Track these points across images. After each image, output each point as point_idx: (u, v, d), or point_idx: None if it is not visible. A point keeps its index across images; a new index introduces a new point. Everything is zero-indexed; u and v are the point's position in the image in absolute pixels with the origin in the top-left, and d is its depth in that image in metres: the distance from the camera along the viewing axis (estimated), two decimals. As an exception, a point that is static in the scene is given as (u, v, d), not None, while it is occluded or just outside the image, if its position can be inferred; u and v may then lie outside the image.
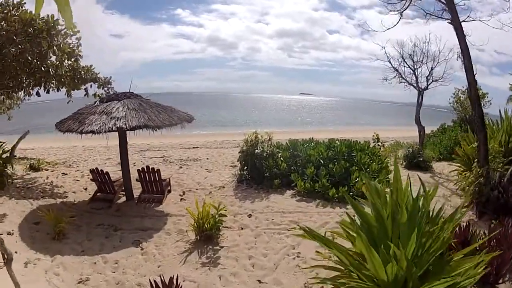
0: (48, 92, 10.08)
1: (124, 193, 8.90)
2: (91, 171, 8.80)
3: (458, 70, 13.77)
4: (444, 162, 12.91)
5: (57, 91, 10.17)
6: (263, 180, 9.35)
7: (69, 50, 9.46)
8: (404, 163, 11.86)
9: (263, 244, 6.22)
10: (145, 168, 8.60)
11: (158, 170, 8.51)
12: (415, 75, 13.97)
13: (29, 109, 23.61)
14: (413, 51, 13.90)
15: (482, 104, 10.50)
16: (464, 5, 8.25)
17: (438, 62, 13.61)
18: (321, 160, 9.18)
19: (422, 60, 13.78)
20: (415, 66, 14.02)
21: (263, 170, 9.41)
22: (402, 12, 9.44)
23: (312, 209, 7.82)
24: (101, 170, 8.65)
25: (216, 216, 6.29)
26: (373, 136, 13.35)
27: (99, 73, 10.63)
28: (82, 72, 10.08)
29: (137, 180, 8.83)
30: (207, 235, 6.24)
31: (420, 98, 13.79)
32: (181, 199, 8.73)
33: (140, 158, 14.55)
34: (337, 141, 10.22)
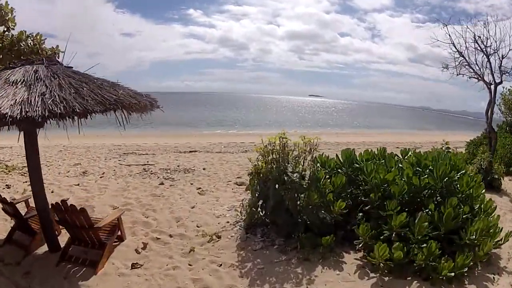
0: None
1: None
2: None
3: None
4: (506, 176, 9.68)
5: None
6: (296, 229, 5.00)
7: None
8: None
9: None
10: (60, 204, 4.55)
11: (84, 210, 4.43)
12: (489, 62, 9.79)
13: None
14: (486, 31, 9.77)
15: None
16: None
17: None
18: (406, 195, 4.89)
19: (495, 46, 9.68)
20: (488, 51, 9.88)
21: (298, 212, 5.09)
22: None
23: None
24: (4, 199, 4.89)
25: None
26: (443, 143, 9.12)
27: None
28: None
29: (57, 222, 4.85)
30: None
31: (492, 95, 9.68)
32: (132, 266, 4.51)
33: (114, 165, 10.47)
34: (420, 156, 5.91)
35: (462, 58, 10.10)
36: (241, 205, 6.56)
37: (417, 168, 5.27)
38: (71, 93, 3.67)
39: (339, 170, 5.69)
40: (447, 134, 31.32)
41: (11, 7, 7.66)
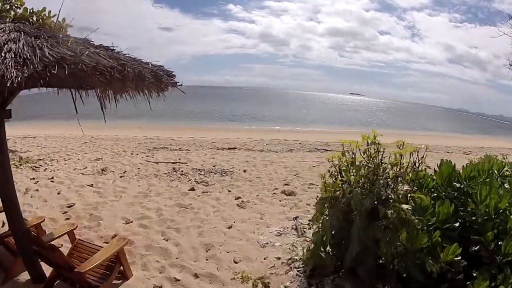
0: None
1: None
2: None
3: None
4: None
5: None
6: (385, 282, 3.09)
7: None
8: None
9: None
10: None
11: (54, 249, 2.79)
12: None
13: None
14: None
15: None
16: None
17: None
18: None
19: None
20: None
21: (391, 259, 3.07)
22: None
23: None
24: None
25: None
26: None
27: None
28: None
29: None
30: None
31: None
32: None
33: (139, 162, 8.96)
34: None
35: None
36: (295, 228, 4.78)
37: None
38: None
39: (440, 192, 3.70)
40: (489, 139, 28.85)
41: None
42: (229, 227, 4.89)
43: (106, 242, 4.36)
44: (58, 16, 4.59)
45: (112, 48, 2.78)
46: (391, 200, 3.08)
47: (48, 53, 2.04)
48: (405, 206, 2.97)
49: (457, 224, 3.31)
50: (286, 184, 7.35)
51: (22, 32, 2.38)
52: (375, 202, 3.03)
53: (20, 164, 7.84)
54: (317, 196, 6.13)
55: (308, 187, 7.14)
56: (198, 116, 33.93)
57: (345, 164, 3.53)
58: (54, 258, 2.84)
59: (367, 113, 71.36)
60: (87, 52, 2.18)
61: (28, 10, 6.43)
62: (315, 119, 39.90)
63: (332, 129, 28.09)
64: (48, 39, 2.29)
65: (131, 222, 4.98)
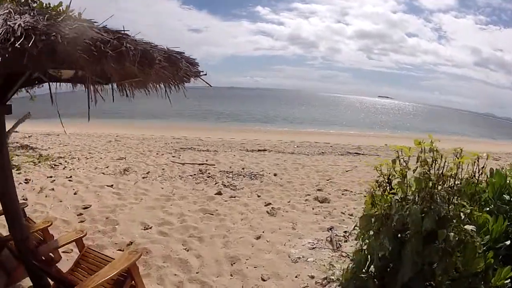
0: None
1: None
2: None
3: None
4: None
5: None
6: None
7: None
8: None
9: None
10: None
11: (50, 262, 2.32)
12: None
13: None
14: None
15: None
16: None
17: None
18: None
19: None
20: None
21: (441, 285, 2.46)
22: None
23: None
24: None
25: None
26: None
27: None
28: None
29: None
30: None
31: None
32: None
33: (165, 163, 8.56)
34: None
35: None
36: (330, 240, 4.18)
37: None
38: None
39: (490, 206, 3.02)
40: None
41: None
42: (258, 238, 4.32)
43: (120, 250, 3.92)
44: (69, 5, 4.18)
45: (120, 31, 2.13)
46: (454, 220, 2.45)
47: (19, 24, 1.51)
48: (469, 227, 2.35)
49: (508, 242, 2.73)
50: (318, 190, 6.71)
51: (10, 10, 1.89)
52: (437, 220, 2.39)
53: (39, 162, 7.63)
54: (355, 208, 5.50)
55: (342, 194, 6.49)
56: (228, 117, 33.71)
57: (397, 173, 2.89)
58: (51, 273, 2.37)
59: (397, 116, 69.58)
60: (69, 23, 1.62)
61: (44, 4, 6.08)
62: (345, 122, 38.94)
63: (362, 132, 27.18)
64: (36, 15, 1.75)
65: (150, 228, 4.50)
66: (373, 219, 2.86)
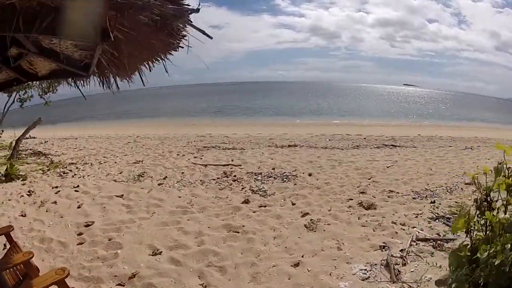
0: None
1: None
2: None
3: None
4: None
5: None
6: None
7: None
8: None
9: None
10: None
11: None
12: None
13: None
14: None
15: None
16: None
17: None
18: None
19: None
20: None
21: None
22: None
23: None
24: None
25: None
26: None
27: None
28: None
29: None
30: None
31: None
32: None
33: (185, 165, 7.67)
34: None
35: None
36: (385, 265, 3.16)
37: None
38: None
39: None
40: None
41: None
42: (296, 265, 3.32)
43: (120, 285, 3.03)
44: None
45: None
46: None
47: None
48: None
49: None
50: (361, 192, 5.61)
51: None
52: None
53: (48, 170, 7.04)
54: (405, 215, 4.43)
55: (388, 196, 5.38)
56: (254, 112, 32.92)
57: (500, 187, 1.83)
58: None
59: (423, 104, 66.78)
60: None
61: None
62: (373, 111, 37.30)
63: (391, 121, 25.69)
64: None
65: (160, 253, 3.59)
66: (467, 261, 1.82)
